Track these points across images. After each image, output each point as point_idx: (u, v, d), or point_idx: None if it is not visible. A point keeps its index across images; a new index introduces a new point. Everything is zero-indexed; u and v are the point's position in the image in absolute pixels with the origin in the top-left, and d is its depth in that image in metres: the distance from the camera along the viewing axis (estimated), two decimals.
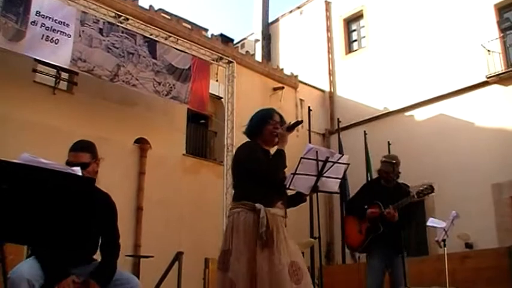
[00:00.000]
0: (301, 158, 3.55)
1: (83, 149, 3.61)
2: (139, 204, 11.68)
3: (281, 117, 3.91)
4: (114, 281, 3.50)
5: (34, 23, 9.86)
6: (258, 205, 3.51)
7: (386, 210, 5.46)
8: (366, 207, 5.67)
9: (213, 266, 7.63)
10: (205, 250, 9.11)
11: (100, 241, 3.68)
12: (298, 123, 3.81)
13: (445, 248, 7.00)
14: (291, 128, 3.78)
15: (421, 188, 5.58)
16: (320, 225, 9.40)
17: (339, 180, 3.78)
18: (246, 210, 3.56)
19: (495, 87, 13.30)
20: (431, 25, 14.98)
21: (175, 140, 12.93)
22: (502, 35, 13.60)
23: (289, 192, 3.83)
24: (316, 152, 3.58)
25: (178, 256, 8.09)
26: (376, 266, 5.64)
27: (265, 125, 3.82)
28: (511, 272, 7.33)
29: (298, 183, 3.60)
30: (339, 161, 3.65)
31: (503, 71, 13.15)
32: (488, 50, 13.42)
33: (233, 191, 3.91)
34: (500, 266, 7.48)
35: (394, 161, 5.73)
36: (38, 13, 9.92)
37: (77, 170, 2.13)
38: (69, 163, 3.49)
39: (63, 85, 11.44)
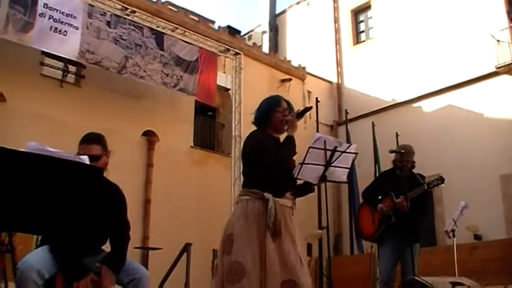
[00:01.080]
0: (310, 147, 3.53)
1: (94, 141, 3.62)
2: (147, 197, 11.70)
3: (288, 103, 3.89)
4: (124, 271, 3.51)
5: (42, 15, 9.89)
6: (266, 194, 3.50)
7: (397, 200, 5.47)
8: (379, 197, 5.70)
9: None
10: (213, 242, 9.04)
11: (110, 232, 3.69)
12: (307, 109, 3.79)
13: (454, 239, 7.00)
14: (301, 114, 3.77)
15: (431, 179, 5.61)
16: (328, 216, 9.39)
17: (347, 170, 3.76)
18: (254, 199, 3.54)
19: (504, 78, 13.19)
20: (440, 15, 14.87)
21: (183, 132, 12.93)
22: (511, 24, 13.48)
23: (298, 182, 3.81)
24: (324, 141, 3.56)
25: (186, 247, 8.12)
26: (388, 255, 5.68)
27: (273, 112, 3.79)
28: None
29: (306, 173, 3.58)
30: (347, 150, 3.64)
31: None
32: (498, 40, 13.30)
33: (242, 180, 3.90)
34: (508, 257, 7.48)
35: (402, 151, 5.73)
36: (45, 5, 9.95)
37: (85, 159, 2.13)
38: (80, 155, 3.50)
39: (70, 78, 11.46)
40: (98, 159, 3.55)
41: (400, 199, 5.46)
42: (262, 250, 3.40)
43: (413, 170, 5.82)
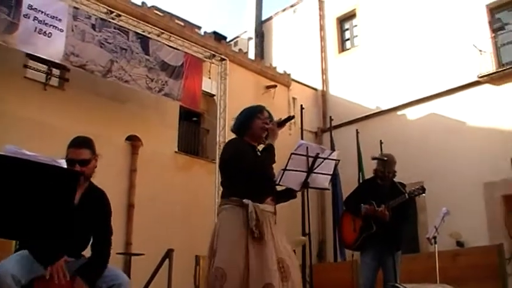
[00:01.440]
0: (292, 153, 3.54)
1: (83, 145, 3.58)
2: (131, 202, 11.63)
3: (270, 114, 3.90)
4: (104, 278, 3.48)
5: (27, 16, 9.78)
6: (245, 200, 3.51)
7: (379, 209, 5.49)
8: (361, 205, 5.72)
9: (204, 263, 7.59)
10: (197, 247, 9.07)
11: (93, 238, 3.66)
12: (289, 118, 3.81)
13: (436, 245, 7.02)
14: (282, 123, 3.78)
15: (412, 188, 5.66)
16: (312, 223, 9.40)
17: (330, 177, 3.77)
18: (234, 206, 3.55)
19: (487, 87, 13.34)
20: (424, 25, 15.00)
21: (168, 137, 12.88)
22: (493, 35, 13.63)
23: (279, 188, 3.81)
24: (307, 147, 3.58)
25: (169, 253, 8.07)
26: (369, 263, 5.71)
27: (254, 119, 3.81)
28: (501, 270, 7.36)
29: (289, 179, 3.59)
30: (329, 157, 3.65)
31: (495, 71, 13.19)
32: (480, 50, 13.45)
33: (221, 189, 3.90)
34: (490, 264, 7.52)
35: (385, 158, 5.76)
36: (30, 6, 9.84)
37: (62, 163, 2.11)
38: (70, 160, 3.48)
39: (54, 81, 11.36)
40: (87, 163, 3.54)
41: (381, 208, 5.48)
42: (245, 254, 3.39)
43: (394, 179, 5.85)
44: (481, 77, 13.28)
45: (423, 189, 5.65)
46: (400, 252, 5.72)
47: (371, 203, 5.63)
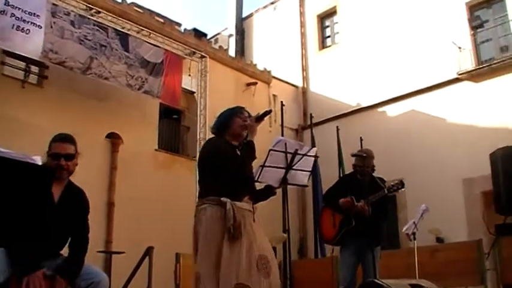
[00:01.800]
0: (270, 149, 3.54)
1: (69, 140, 3.61)
2: (111, 200, 11.56)
3: (249, 114, 3.91)
4: (82, 276, 3.46)
5: (3, 12, 9.65)
6: (223, 199, 3.50)
7: (358, 204, 5.51)
8: (340, 201, 5.73)
9: (184, 260, 7.59)
10: (177, 245, 9.02)
11: (70, 236, 3.64)
12: (267, 113, 3.80)
13: (415, 241, 7.08)
14: (260, 118, 3.77)
15: (391, 183, 5.67)
16: (293, 220, 9.42)
17: (309, 173, 3.78)
18: (212, 205, 3.54)
19: (466, 84, 13.46)
20: (404, 22, 15.08)
21: (148, 135, 12.82)
22: (472, 32, 13.76)
23: (258, 186, 3.81)
24: (285, 144, 3.58)
25: (148, 251, 8.03)
26: (348, 259, 5.72)
27: (234, 117, 3.81)
28: (480, 265, 7.43)
29: (267, 176, 3.59)
30: (308, 153, 3.65)
31: (474, 68, 13.31)
32: (459, 47, 13.56)
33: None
34: (469, 259, 7.58)
35: (364, 155, 5.79)
36: (7, 3, 9.70)
37: (37, 160, 2.08)
38: (55, 154, 3.49)
39: (33, 79, 11.24)
40: (72, 158, 3.56)
41: (361, 203, 5.49)
42: (218, 255, 3.39)
43: (374, 174, 5.87)
44: (460, 74, 13.40)
45: (402, 184, 5.67)
46: (379, 248, 5.75)
47: (351, 198, 5.65)
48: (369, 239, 5.52)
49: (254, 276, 3.38)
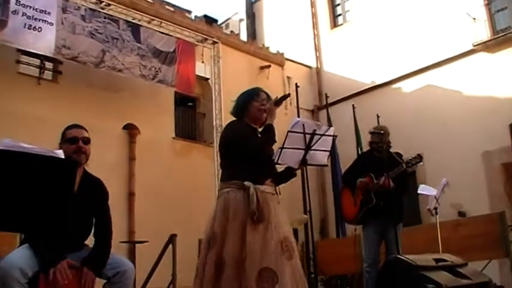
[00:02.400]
0: (288, 131, 3.54)
1: (82, 127, 3.70)
2: (131, 190, 11.67)
3: (267, 95, 3.90)
4: (108, 265, 3.51)
5: (15, 12, 9.74)
6: (247, 183, 3.51)
7: (379, 180, 5.50)
8: (358, 181, 5.73)
9: None
10: (199, 232, 9.05)
11: (93, 226, 3.69)
12: (285, 97, 3.80)
13: (437, 216, 7.06)
14: (279, 102, 3.77)
15: (409, 158, 5.65)
16: (313, 201, 9.43)
17: (328, 153, 3.78)
18: (235, 190, 3.55)
19: (482, 55, 13.28)
20: None
21: (164, 123, 12.88)
22: (486, 2, 13.54)
23: (279, 168, 3.82)
24: (303, 125, 3.57)
25: (172, 238, 8.10)
26: (371, 237, 5.73)
27: (251, 101, 3.81)
28: (504, 238, 7.39)
29: (287, 158, 3.59)
30: (326, 133, 3.65)
31: (490, 39, 13.10)
32: (474, 18, 13.37)
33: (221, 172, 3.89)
34: (492, 232, 7.53)
35: (382, 131, 5.78)
36: (18, 2, 9.79)
37: (60, 153, 2.11)
38: (74, 137, 3.58)
39: (48, 75, 11.32)
40: (89, 142, 3.65)
41: (383, 178, 5.48)
42: (244, 239, 3.40)
43: (391, 150, 5.85)
44: (475, 45, 13.21)
45: (420, 158, 5.65)
46: (401, 225, 5.74)
47: (370, 176, 5.65)
48: (391, 215, 5.52)
49: (278, 259, 3.39)
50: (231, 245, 3.40)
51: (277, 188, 3.77)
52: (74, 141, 3.57)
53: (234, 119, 3.90)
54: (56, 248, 3.20)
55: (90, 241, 3.68)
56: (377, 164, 5.66)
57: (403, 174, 5.66)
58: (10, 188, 2.00)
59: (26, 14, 9.88)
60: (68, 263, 3.24)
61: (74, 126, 3.66)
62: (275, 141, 3.71)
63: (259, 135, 3.74)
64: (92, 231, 3.69)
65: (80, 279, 3.32)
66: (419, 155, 5.67)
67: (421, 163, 5.69)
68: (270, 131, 3.68)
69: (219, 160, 4.06)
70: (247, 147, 3.57)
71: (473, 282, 4.28)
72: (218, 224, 3.54)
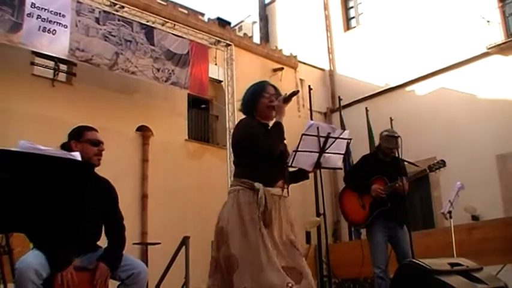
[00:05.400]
0: (303, 134, 3.52)
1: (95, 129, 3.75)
2: (145, 192, 11.70)
3: (276, 88, 3.84)
4: (121, 266, 3.52)
5: (30, 15, 9.83)
6: (257, 184, 3.48)
7: (398, 183, 5.46)
8: (373, 189, 5.68)
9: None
10: (212, 234, 9.09)
11: (105, 226, 3.71)
12: (294, 93, 3.73)
13: (451, 220, 7.01)
14: (288, 99, 3.69)
15: (433, 163, 5.65)
16: (326, 203, 9.40)
17: (342, 156, 3.75)
18: (245, 189, 3.51)
19: (496, 58, 13.20)
20: None
21: (177, 125, 12.91)
22: (501, 4, 13.48)
23: (292, 169, 3.78)
24: (317, 128, 3.55)
25: (185, 240, 8.09)
26: (380, 240, 5.65)
27: (259, 98, 3.74)
28: None
29: (301, 160, 3.57)
30: (341, 136, 3.63)
31: (504, 41, 13.03)
32: (488, 21, 13.30)
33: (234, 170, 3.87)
34: (507, 235, 7.49)
35: (397, 135, 5.74)
36: (33, 5, 9.88)
37: (76, 155, 2.12)
38: (97, 141, 3.63)
39: (62, 77, 11.40)
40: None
41: (403, 181, 5.45)
42: (258, 236, 3.37)
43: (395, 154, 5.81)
44: (489, 48, 13.14)
45: (444, 163, 5.64)
46: (406, 228, 5.68)
47: (381, 179, 5.62)
48: (399, 218, 5.53)
49: (292, 253, 3.40)
50: (242, 244, 3.37)
51: (287, 188, 3.74)
52: (97, 144, 3.61)
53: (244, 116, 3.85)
54: (63, 251, 3.21)
55: (103, 243, 3.70)
56: (382, 168, 5.66)
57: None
58: (27, 189, 2.01)
59: (40, 16, 9.96)
60: (76, 267, 3.27)
61: (92, 129, 3.70)
62: (284, 139, 3.66)
63: (269, 131, 3.68)
64: (103, 231, 3.72)
65: (93, 281, 3.33)
66: (443, 160, 5.65)
67: (443, 168, 5.66)
68: (278, 128, 3.61)
69: (232, 161, 4.03)
70: (256, 147, 3.53)
71: (489, 287, 4.24)
72: (226, 221, 3.50)
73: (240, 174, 3.64)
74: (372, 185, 5.68)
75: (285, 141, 3.70)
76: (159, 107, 12.43)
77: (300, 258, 3.43)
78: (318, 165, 3.64)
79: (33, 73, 10.87)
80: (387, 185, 5.57)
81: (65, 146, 3.56)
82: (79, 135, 3.63)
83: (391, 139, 5.76)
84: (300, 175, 3.81)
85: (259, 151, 3.52)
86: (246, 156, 3.61)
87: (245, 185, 3.53)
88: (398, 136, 5.72)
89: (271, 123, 3.73)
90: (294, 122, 3.86)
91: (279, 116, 3.65)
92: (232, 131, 12.23)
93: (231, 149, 11.93)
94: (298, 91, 3.88)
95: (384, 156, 5.79)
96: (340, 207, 6.32)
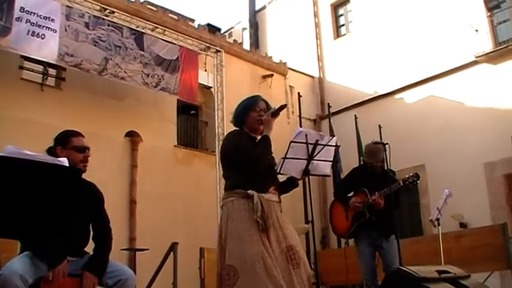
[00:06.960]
0: (291, 141, 3.54)
1: (82, 134, 3.72)
2: (133, 198, 11.64)
3: (267, 104, 3.89)
4: (108, 273, 3.50)
5: (19, 19, 9.78)
6: (250, 191, 3.50)
7: (373, 197, 5.52)
8: (351, 194, 5.75)
9: (209, 255, 7.64)
10: (200, 240, 9.10)
11: (93, 231, 3.69)
12: (282, 107, 3.77)
13: (439, 227, 7.04)
14: (276, 113, 3.74)
15: (407, 176, 5.65)
16: (314, 210, 9.41)
17: (330, 163, 3.77)
18: (239, 198, 3.53)
19: (484, 67, 13.29)
20: (418, 7, 14.93)
21: (166, 131, 12.89)
22: (489, 13, 13.58)
23: (281, 178, 3.81)
24: (306, 135, 3.57)
25: (173, 247, 8.08)
26: (366, 251, 5.71)
27: (249, 112, 3.80)
28: (506, 249, 7.36)
29: (289, 168, 3.59)
30: (329, 143, 3.64)
31: (492, 50, 13.13)
32: (476, 30, 13.40)
33: (224, 181, 3.89)
34: (494, 243, 7.51)
35: (376, 148, 5.78)
36: (22, 9, 9.84)
37: (64, 161, 2.11)
38: (84, 147, 3.60)
39: (51, 81, 11.34)
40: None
41: (375, 196, 5.50)
42: (259, 242, 3.39)
43: (384, 166, 5.85)
44: (478, 56, 13.23)
45: (417, 177, 5.63)
46: (394, 237, 5.70)
47: (363, 191, 5.65)
48: (384, 229, 5.57)
49: (285, 269, 3.39)
50: (242, 255, 3.37)
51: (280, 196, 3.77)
52: (83, 151, 3.59)
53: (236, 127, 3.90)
54: (56, 249, 3.21)
55: (90, 249, 3.68)
56: (370, 179, 5.70)
57: (396, 191, 5.66)
58: (14, 195, 2.00)
59: (29, 20, 9.92)
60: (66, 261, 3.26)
61: (79, 134, 3.66)
62: (271, 152, 3.70)
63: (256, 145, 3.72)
64: (91, 235, 3.70)
65: (80, 286, 3.32)
66: (417, 173, 5.67)
67: (417, 182, 5.68)
68: (265, 142, 3.65)
69: (221, 174, 4.06)
70: (245, 159, 3.56)
71: None
72: (224, 233, 3.53)
73: (231, 185, 3.67)
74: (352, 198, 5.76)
75: (272, 155, 3.74)
76: (148, 112, 12.40)
77: (290, 271, 3.43)
78: (306, 172, 3.67)
79: (22, 77, 10.81)
80: (367, 197, 5.60)
81: (51, 151, 3.54)
82: (65, 142, 3.61)
83: (372, 154, 5.84)
84: (291, 184, 3.84)
85: (248, 162, 3.54)
86: (235, 167, 3.63)
87: (238, 195, 3.55)
88: (379, 147, 5.74)
89: (259, 137, 3.77)
90: (283, 128, 3.88)
91: (267, 129, 3.70)
92: (221, 137, 12.30)
93: (220, 156, 12.01)
94: (285, 105, 3.91)
95: (372, 168, 5.82)
96: (329, 219, 6.39)
